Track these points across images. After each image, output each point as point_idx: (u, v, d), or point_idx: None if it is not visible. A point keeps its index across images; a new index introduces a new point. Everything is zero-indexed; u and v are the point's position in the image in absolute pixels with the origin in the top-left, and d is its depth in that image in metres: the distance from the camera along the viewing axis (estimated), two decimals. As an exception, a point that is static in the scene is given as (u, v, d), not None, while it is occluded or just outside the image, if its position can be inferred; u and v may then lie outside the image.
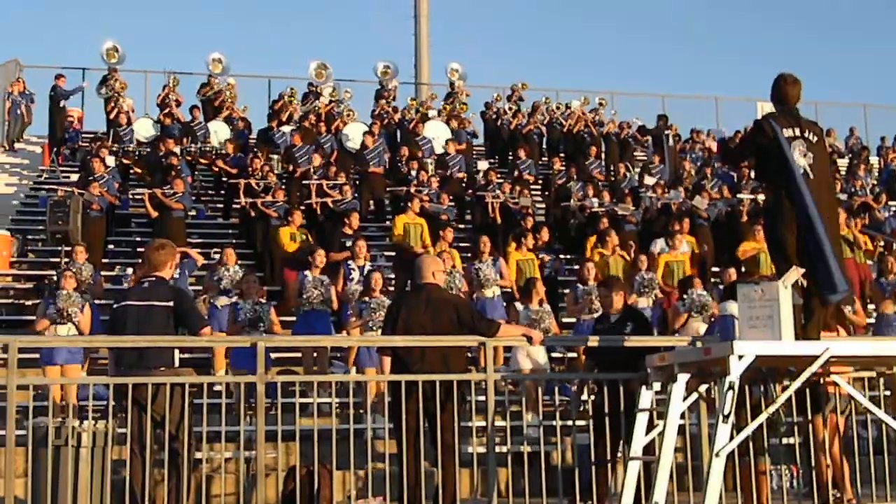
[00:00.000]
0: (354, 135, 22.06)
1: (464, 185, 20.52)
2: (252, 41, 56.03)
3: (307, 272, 13.28)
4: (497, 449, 8.21)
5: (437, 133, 22.73)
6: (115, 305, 8.25)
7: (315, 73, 24.37)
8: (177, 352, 8.36)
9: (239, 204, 18.34)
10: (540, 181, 22.01)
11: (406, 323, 8.12)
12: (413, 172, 19.51)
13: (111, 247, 18.23)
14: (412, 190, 18.45)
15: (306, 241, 15.59)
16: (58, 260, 16.02)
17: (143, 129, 21.91)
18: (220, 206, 20.34)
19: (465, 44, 55.38)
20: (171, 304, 7.95)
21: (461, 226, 19.34)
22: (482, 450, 8.35)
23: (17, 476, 7.46)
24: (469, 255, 16.37)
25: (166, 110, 22.68)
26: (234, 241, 17.46)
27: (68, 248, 15.06)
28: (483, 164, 21.66)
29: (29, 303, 15.17)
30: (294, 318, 13.26)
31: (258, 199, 17.73)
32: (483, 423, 8.42)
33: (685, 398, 6.95)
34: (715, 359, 6.56)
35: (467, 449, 8.66)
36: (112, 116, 22.12)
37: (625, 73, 58.02)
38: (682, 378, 6.88)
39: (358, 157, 20.55)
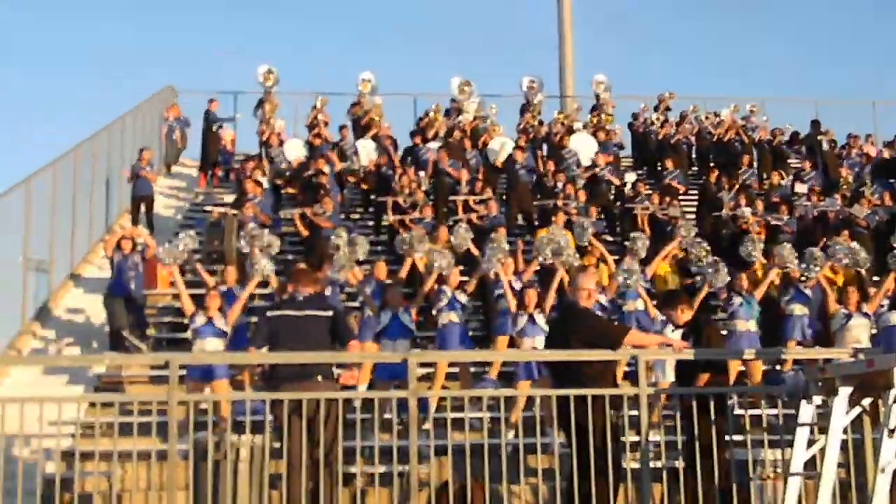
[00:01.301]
0: (500, 149, 22.13)
1: (612, 197, 20.37)
2: (397, 59, 56.63)
3: (445, 286, 13.35)
4: (651, 464, 8.11)
5: (583, 145, 22.63)
6: (268, 314, 8.39)
7: (458, 89, 24.52)
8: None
9: (387, 221, 18.52)
10: (691, 192, 21.69)
11: (553, 339, 8.20)
12: (559, 185, 19.47)
13: None
14: (559, 203, 18.41)
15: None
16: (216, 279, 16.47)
17: (294, 149, 22.38)
18: (369, 223, 20.60)
19: (609, 54, 54.74)
20: (329, 313, 8.15)
21: (609, 238, 19.20)
22: (636, 465, 8.26)
23: (179, 489, 7.64)
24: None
25: (315, 130, 23.06)
26: (384, 256, 17.53)
27: (223, 268, 15.38)
28: (631, 176, 21.48)
29: (188, 321, 15.55)
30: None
31: (405, 216, 17.88)
32: (637, 439, 8.32)
33: (847, 412, 6.76)
34: (879, 371, 6.37)
35: (622, 464, 8.54)
36: (264, 138, 22.61)
37: (775, 78, 56.43)
38: (845, 392, 6.70)
39: (506, 172, 20.54)
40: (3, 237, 14.96)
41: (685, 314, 9.21)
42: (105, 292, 15.10)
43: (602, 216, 18.99)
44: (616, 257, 15.86)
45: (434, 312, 13.58)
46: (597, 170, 20.67)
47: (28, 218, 15.80)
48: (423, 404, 11.29)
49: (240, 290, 13.73)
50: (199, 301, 13.09)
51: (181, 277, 13.73)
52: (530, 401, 11.79)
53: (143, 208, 19.67)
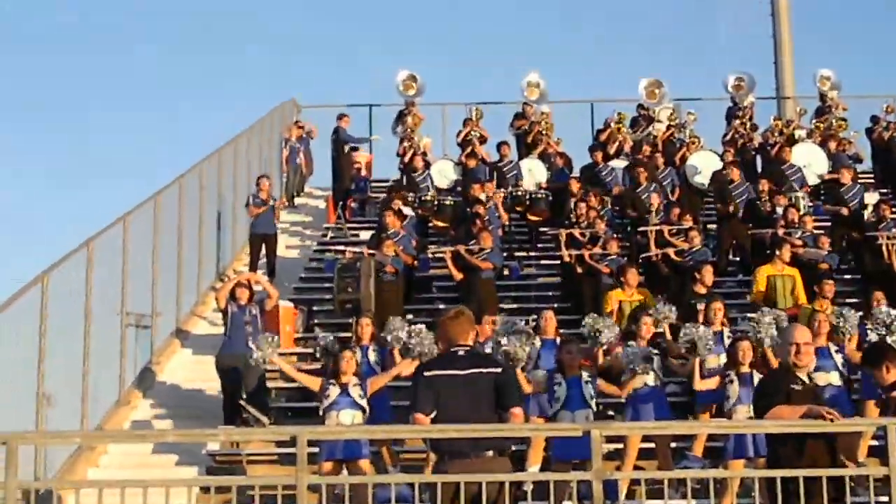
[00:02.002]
0: (703, 166, 22.00)
1: (849, 223, 19.88)
2: (568, 59, 56.03)
3: (632, 343, 13.31)
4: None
5: (808, 159, 22.31)
6: (425, 374, 8.37)
7: (646, 92, 24.50)
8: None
9: (561, 258, 18.56)
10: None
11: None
12: (780, 210, 19.17)
13: (410, 317, 18.29)
14: (780, 233, 18.10)
15: (643, 305, 15.53)
16: (349, 335, 16.67)
17: (443, 172, 22.88)
18: (540, 262, 20.67)
19: (834, 45, 53.20)
20: (497, 370, 8.15)
21: (847, 276, 18.98)
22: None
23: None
24: (860, 312, 15.72)
25: (469, 149, 23.30)
26: (555, 304, 17.64)
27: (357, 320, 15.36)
28: (872, 197, 21.08)
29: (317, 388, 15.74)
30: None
31: (584, 252, 17.86)
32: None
33: None
34: None
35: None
36: (406, 160, 23.02)
37: None
38: None
39: (714, 194, 20.38)
40: (96, 286, 15.21)
41: (892, 374, 8.98)
42: (218, 352, 15.32)
43: (835, 248, 18.59)
44: (855, 300, 15.48)
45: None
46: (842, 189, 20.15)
47: (126, 263, 16.23)
48: (610, 488, 10.86)
49: (378, 353, 13.95)
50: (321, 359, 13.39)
51: (289, 366, 14.05)
52: (745, 484, 11.48)
53: (262, 249, 20.15)
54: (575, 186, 20.85)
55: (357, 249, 18.64)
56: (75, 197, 53.97)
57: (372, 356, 14.17)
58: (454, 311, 8.57)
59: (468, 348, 8.37)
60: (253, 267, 19.75)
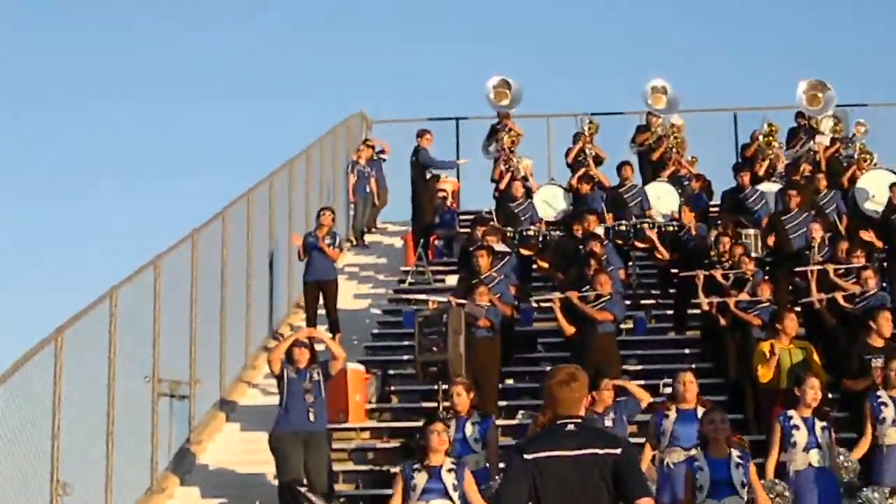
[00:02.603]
0: (877, 190, 21.87)
1: None
2: (703, 59, 55.36)
3: (792, 412, 13.15)
4: None
5: None
6: (525, 456, 8.25)
7: (806, 97, 24.13)
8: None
9: (699, 307, 18.49)
10: None
11: None
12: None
13: (509, 381, 18.87)
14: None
15: (805, 362, 15.37)
16: (433, 405, 16.98)
17: (549, 201, 22.85)
18: (671, 311, 20.65)
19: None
20: (616, 451, 7.93)
21: None
22: None
23: None
24: None
25: (581, 171, 23.20)
26: (693, 364, 17.57)
27: (446, 387, 15.55)
28: None
29: (395, 470, 14.57)
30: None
31: (729, 299, 17.70)
32: None
33: None
34: None
35: None
36: (503, 186, 23.05)
37: None
38: None
39: (887, 225, 20.20)
40: (122, 346, 15.29)
41: None
42: (272, 428, 15.29)
43: None
44: None
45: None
46: None
47: (158, 318, 16.36)
48: None
49: (478, 427, 13.92)
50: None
51: None
52: None
53: (320, 299, 20.28)
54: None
55: (443, 298, 18.41)
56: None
57: (469, 430, 14.00)
58: (564, 374, 8.20)
59: (579, 421, 8.19)
60: (311, 322, 19.88)
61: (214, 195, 50.49)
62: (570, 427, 7.99)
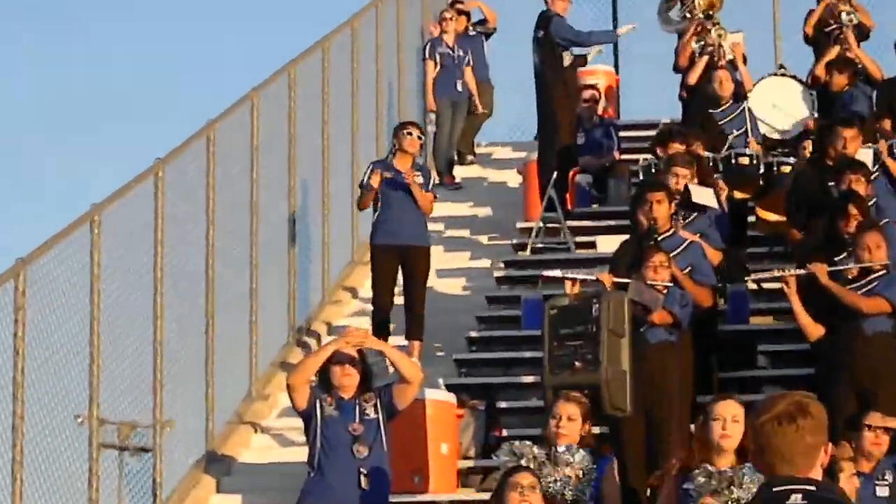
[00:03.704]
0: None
1: None
2: None
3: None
4: None
5: None
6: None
7: None
8: None
9: None
10: None
11: None
12: None
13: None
14: None
15: None
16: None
17: (778, 104, 23.14)
18: None
19: None
20: None
21: None
22: None
23: None
24: None
25: (832, 52, 23.29)
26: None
27: (597, 430, 15.79)
28: None
29: None
30: None
31: None
32: None
33: None
34: None
35: None
36: (693, 78, 23.16)
37: None
38: None
39: None
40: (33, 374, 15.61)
41: None
42: (300, 499, 14.80)
43: None
44: None
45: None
46: None
47: (96, 317, 16.63)
48: None
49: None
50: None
51: None
52: None
53: (397, 276, 20.70)
54: None
55: (591, 276, 17.74)
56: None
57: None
58: (785, 405, 7.69)
59: (812, 491, 7.59)
60: (380, 317, 20.19)
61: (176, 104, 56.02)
62: (796, 498, 7.67)
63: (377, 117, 25.15)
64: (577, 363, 16.61)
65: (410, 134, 20.65)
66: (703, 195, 19.30)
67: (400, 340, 19.85)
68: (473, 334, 21.27)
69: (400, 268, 20.51)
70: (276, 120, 20.87)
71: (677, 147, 20.28)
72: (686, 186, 18.96)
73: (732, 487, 13.08)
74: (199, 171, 18.57)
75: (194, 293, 19.23)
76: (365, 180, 20.52)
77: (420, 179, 20.37)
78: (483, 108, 26.49)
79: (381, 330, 19.50)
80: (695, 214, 18.84)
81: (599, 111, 25.47)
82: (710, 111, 22.26)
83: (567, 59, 24.03)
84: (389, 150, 20.96)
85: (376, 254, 20.50)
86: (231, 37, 66.63)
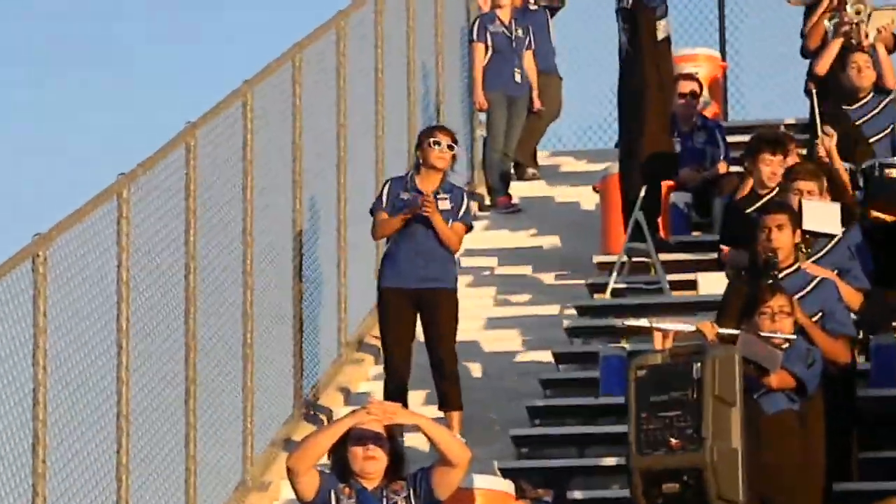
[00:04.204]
0: None
1: None
2: None
3: None
4: None
5: None
6: None
7: None
8: None
9: None
10: None
11: None
12: None
13: None
14: None
15: None
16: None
17: None
18: None
19: None
20: None
21: None
22: None
23: None
24: None
25: None
26: None
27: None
28: None
29: None
30: None
31: None
32: None
33: None
34: None
35: None
36: (822, 67, 23.71)
37: None
38: None
39: None
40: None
41: None
42: None
43: None
44: None
45: None
46: None
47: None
48: None
49: None
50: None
51: None
52: None
53: (416, 325, 20.53)
54: None
55: (690, 326, 17.25)
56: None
57: None
58: None
59: None
60: (397, 378, 20.24)
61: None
62: None
63: (409, 126, 24.62)
64: (672, 440, 16.28)
65: (438, 143, 20.33)
66: (818, 217, 18.87)
67: (433, 411, 19.56)
68: (537, 403, 21.11)
69: (418, 316, 20.31)
70: (276, 121, 20.33)
71: (795, 156, 20.20)
72: (800, 203, 18.56)
73: None
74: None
75: (169, 352, 18.60)
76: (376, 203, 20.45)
77: (447, 205, 20.14)
78: (546, 107, 26.43)
79: (395, 400, 17.58)
80: (825, 245, 18.49)
81: (700, 108, 25.38)
82: (845, 107, 22.18)
83: (662, 31, 23.34)
84: (415, 164, 20.67)
85: (385, 300, 20.49)
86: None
